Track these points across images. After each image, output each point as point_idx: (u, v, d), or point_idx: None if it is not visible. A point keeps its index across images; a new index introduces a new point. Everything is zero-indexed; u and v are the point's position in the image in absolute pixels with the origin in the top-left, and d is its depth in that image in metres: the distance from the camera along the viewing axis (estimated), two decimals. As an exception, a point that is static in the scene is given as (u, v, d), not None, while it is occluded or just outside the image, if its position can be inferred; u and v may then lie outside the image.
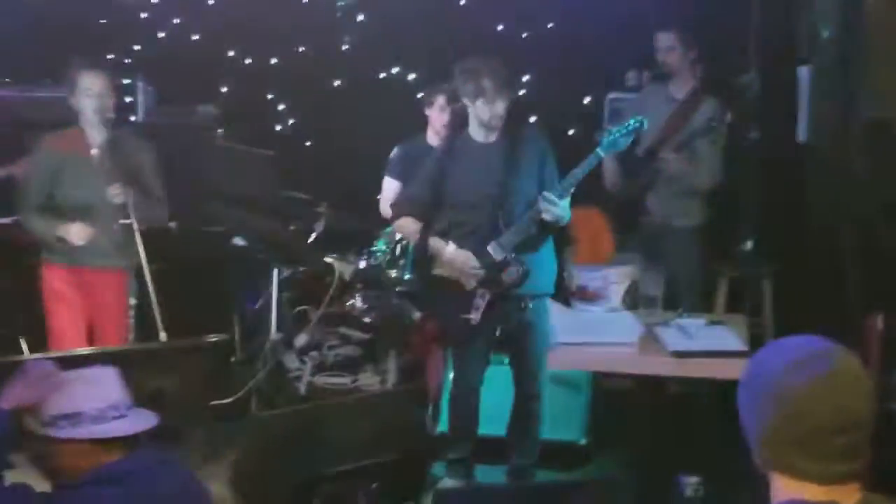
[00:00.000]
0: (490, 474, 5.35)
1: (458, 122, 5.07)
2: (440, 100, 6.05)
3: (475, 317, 4.91)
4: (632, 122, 4.81)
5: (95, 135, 5.16)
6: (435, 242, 5.01)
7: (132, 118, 6.90)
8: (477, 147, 5.00)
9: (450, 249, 4.97)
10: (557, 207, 4.73)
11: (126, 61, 7.11)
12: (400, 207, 5.21)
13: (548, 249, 4.99)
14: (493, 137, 5.00)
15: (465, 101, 4.93)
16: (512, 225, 4.86)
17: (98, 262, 5.25)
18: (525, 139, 4.97)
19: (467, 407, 5.29)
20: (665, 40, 5.64)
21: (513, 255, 4.86)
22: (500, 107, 4.87)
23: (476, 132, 5.02)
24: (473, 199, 4.96)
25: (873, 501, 2.03)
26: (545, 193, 4.76)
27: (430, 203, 5.07)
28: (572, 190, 4.81)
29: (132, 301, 5.35)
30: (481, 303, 4.88)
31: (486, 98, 4.86)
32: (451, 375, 5.32)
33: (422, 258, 4.81)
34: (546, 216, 4.77)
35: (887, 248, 4.12)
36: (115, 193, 5.01)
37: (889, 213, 4.17)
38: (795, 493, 2.05)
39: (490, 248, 4.91)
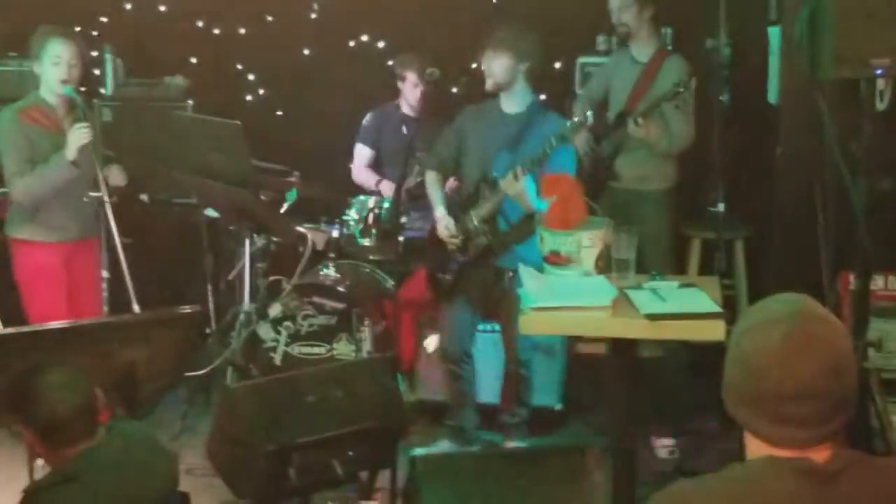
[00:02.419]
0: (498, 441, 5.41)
1: (433, 95, 5.15)
2: (411, 76, 6.05)
3: (447, 277, 5.15)
4: (576, 119, 4.88)
5: (62, 105, 5.12)
6: (433, 200, 5.27)
7: (101, 90, 6.86)
8: (496, 115, 5.14)
9: (438, 211, 5.17)
10: (517, 184, 4.82)
11: (94, 33, 7.04)
12: (427, 162, 5.41)
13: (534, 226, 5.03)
14: (516, 108, 5.11)
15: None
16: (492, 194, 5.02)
17: (79, 234, 5.25)
18: (543, 123, 5.02)
19: (459, 372, 5.35)
20: None
21: (484, 226, 5.02)
22: (494, 63, 4.99)
23: (502, 100, 5.12)
24: (474, 164, 5.14)
25: (844, 457, 2.05)
26: (516, 169, 4.84)
27: (454, 162, 5.27)
28: (533, 171, 4.86)
29: (105, 274, 5.33)
30: (454, 266, 5.11)
31: (481, 53, 5.05)
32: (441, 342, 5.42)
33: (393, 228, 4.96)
34: (507, 191, 4.90)
35: (857, 207, 4.13)
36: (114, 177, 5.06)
37: (858, 173, 4.18)
38: (767, 450, 2.07)
39: (469, 216, 5.06)
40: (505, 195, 4.92)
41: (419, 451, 5.10)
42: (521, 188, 4.83)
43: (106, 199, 4.99)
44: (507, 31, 5.05)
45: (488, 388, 5.47)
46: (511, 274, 4.99)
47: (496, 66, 5.00)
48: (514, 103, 5.11)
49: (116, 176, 5.30)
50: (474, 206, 5.09)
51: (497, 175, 4.98)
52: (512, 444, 5.33)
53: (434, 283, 5.32)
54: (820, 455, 2.03)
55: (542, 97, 5.45)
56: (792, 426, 2.02)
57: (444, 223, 5.14)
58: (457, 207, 5.19)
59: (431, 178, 5.34)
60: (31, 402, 3.03)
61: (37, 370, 3.09)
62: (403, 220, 5.62)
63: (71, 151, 5.02)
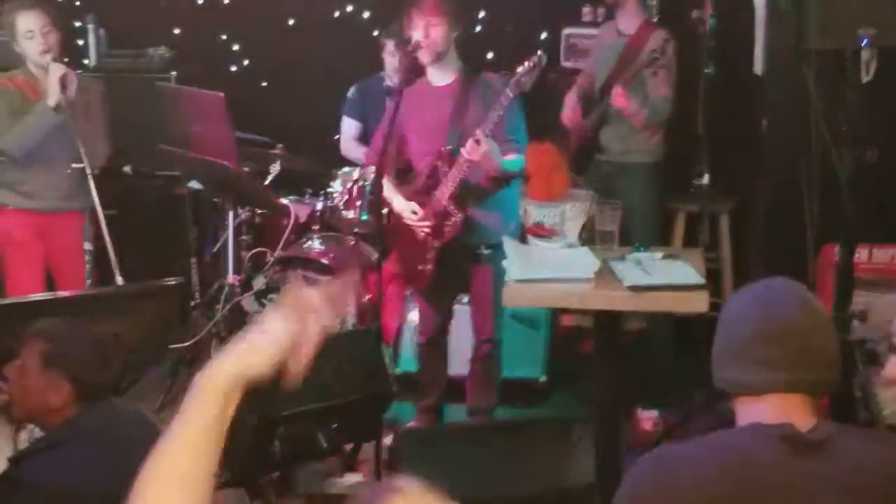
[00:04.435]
0: (457, 414, 5.39)
1: (409, 65, 4.98)
2: (389, 45, 6.00)
3: (426, 267, 4.93)
4: (526, 64, 4.66)
5: (44, 76, 5.07)
6: (388, 192, 4.97)
7: (85, 62, 6.81)
8: (429, 90, 4.92)
9: (397, 201, 4.96)
10: (481, 147, 4.58)
11: (76, 3, 6.99)
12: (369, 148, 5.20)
13: (503, 197, 4.96)
14: (446, 79, 4.91)
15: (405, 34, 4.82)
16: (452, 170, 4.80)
17: (56, 206, 5.20)
18: (481, 86, 4.83)
19: (432, 355, 5.31)
20: None
21: (454, 203, 4.82)
22: (432, 30, 4.73)
23: (431, 74, 4.94)
24: (420, 145, 4.91)
25: (828, 427, 2.07)
26: (476, 134, 4.60)
27: (394, 150, 4.97)
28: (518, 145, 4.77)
29: (88, 246, 5.30)
30: (430, 253, 4.88)
31: (411, 22, 4.74)
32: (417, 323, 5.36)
33: (377, 201, 4.79)
34: (472, 157, 4.64)
35: (842, 179, 4.13)
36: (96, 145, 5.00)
37: (843, 145, 4.17)
38: (752, 417, 2.09)
39: (435, 196, 4.87)
40: (467, 164, 4.69)
41: (407, 424, 5.13)
42: (485, 150, 4.57)
43: (88, 170, 4.95)
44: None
45: (457, 361, 5.41)
46: (486, 250, 4.94)
47: (437, 33, 4.73)
48: (444, 74, 4.90)
49: (98, 144, 5.23)
50: (437, 185, 4.87)
51: (452, 151, 4.78)
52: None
53: (413, 277, 5.14)
54: (804, 424, 2.06)
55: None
56: (768, 368, 2.08)
57: (409, 210, 4.92)
58: (415, 193, 4.97)
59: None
60: (84, 350, 3.06)
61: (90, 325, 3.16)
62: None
63: (52, 92, 4.95)
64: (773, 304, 2.14)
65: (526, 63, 4.63)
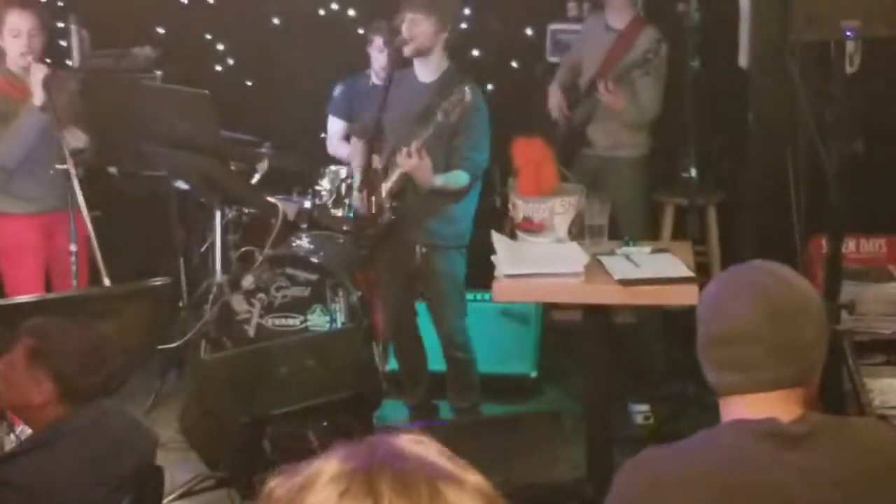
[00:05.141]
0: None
1: (398, 61, 5.00)
2: (378, 41, 5.99)
3: (362, 251, 5.06)
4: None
5: (25, 76, 5.04)
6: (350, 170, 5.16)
7: (68, 62, 6.78)
8: (410, 83, 4.94)
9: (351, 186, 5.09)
10: (414, 162, 4.64)
11: (59, 3, 6.96)
12: (353, 131, 5.28)
13: (456, 203, 4.98)
14: (429, 77, 4.93)
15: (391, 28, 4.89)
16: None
17: (55, 206, 5.18)
18: (458, 93, 4.80)
19: (402, 352, 5.31)
20: None
21: (391, 201, 4.89)
22: (417, 26, 4.77)
23: (416, 68, 4.95)
24: (391, 134, 4.95)
25: (812, 420, 2.06)
26: (412, 145, 4.66)
27: (376, 130, 5.04)
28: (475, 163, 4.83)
29: (72, 247, 5.27)
30: (365, 241, 5.01)
31: (406, 13, 4.78)
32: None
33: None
34: (402, 167, 4.72)
35: (829, 171, 4.14)
36: (72, 138, 4.95)
37: (829, 137, 4.18)
38: (734, 414, 2.08)
39: (380, 190, 4.91)
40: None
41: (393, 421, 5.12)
42: (415, 164, 4.65)
43: (72, 170, 4.92)
44: None
45: (433, 356, 5.41)
46: (423, 250, 4.94)
47: (420, 30, 4.79)
48: (429, 71, 4.94)
49: (76, 137, 5.20)
50: (385, 179, 4.91)
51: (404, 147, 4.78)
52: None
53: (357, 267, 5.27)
54: (787, 416, 2.04)
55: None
56: (730, 371, 2.06)
57: (358, 199, 5.04)
58: (374, 180, 5.00)
59: (356, 145, 5.26)
60: (71, 350, 3.05)
61: (84, 327, 3.13)
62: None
63: (37, 92, 4.92)
64: (731, 299, 2.07)
65: (452, 97, 4.67)
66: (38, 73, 4.92)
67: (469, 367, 5.20)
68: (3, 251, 5.23)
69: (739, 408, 2.08)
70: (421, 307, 5.29)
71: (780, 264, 2.15)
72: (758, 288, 2.07)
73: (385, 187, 4.89)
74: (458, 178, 4.84)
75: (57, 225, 5.24)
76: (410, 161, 4.64)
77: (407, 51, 4.83)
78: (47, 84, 4.92)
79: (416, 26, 4.78)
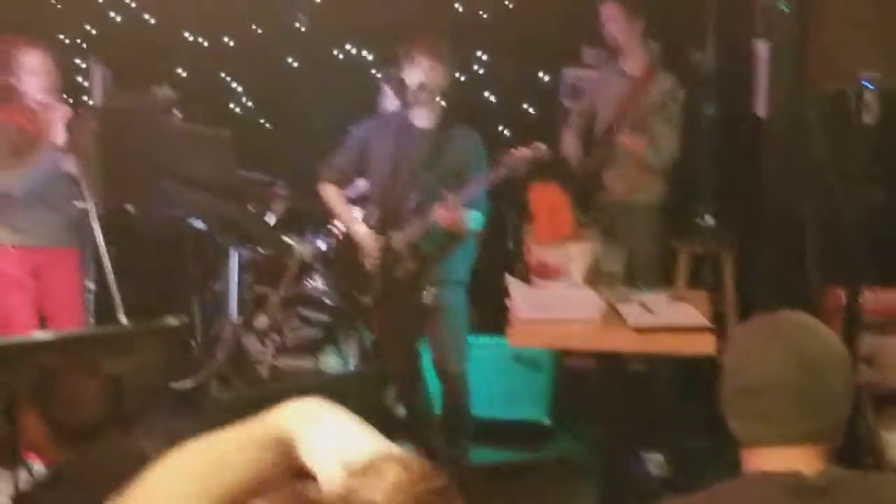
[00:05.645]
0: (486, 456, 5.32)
1: (409, 105, 4.99)
2: (388, 89, 6.01)
3: (367, 298, 4.92)
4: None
5: (43, 112, 5.07)
6: (348, 217, 5.07)
7: (88, 101, 6.82)
8: (406, 129, 4.91)
9: (360, 229, 4.99)
10: (452, 215, 4.68)
11: (80, 43, 7.01)
12: (326, 173, 5.17)
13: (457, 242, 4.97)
14: (427, 123, 4.93)
15: (400, 74, 4.85)
16: (417, 217, 4.83)
17: (49, 242, 5.15)
18: (459, 138, 4.88)
19: (407, 397, 5.25)
20: (607, 10, 5.60)
21: (410, 250, 4.86)
22: (429, 75, 4.76)
23: (413, 112, 4.92)
24: (387, 181, 4.88)
25: (835, 473, 2.04)
26: (451, 197, 4.68)
27: (354, 174, 5.08)
28: (481, 200, 4.81)
29: (90, 285, 5.28)
30: (374, 287, 4.87)
31: (412, 62, 4.77)
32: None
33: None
34: (440, 221, 4.74)
35: (846, 221, 4.13)
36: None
37: (846, 187, 4.18)
38: (757, 465, 2.06)
39: (393, 237, 4.89)
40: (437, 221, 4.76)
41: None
42: (457, 217, 4.69)
43: (92, 209, 4.94)
44: (442, 41, 4.88)
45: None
46: (433, 291, 4.94)
47: (432, 77, 4.78)
48: (426, 117, 4.91)
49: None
50: (397, 227, 4.89)
51: (419, 195, 4.83)
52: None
53: (350, 301, 5.17)
54: (810, 470, 2.02)
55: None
56: (756, 422, 2.03)
57: (372, 242, 4.94)
58: (374, 226, 4.98)
59: (332, 193, 5.13)
60: (63, 397, 3.03)
61: (72, 368, 3.11)
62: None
63: (57, 131, 4.94)
64: (760, 350, 2.04)
65: (526, 149, 4.69)
66: (60, 111, 4.94)
67: (467, 413, 5.13)
68: None
69: (763, 460, 2.06)
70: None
71: (808, 315, 2.13)
72: (788, 339, 2.04)
73: (404, 236, 4.87)
74: (477, 219, 4.85)
75: (51, 262, 5.19)
76: (449, 216, 4.67)
77: (421, 97, 4.80)
78: (69, 123, 4.95)
79: (428, 73, 4.78)
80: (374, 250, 4.88)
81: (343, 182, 5.16)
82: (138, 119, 6.53)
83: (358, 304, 5.08)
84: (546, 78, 6.79)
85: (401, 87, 4.91)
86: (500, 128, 6.63)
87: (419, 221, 4.83)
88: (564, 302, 4.05)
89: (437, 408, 5.22)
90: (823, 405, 2.03)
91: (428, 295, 4.91)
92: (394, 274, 4.90)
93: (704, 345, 3.84)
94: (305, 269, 5.82)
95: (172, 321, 4.32)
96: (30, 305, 5.18)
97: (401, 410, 5.52)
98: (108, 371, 3.65)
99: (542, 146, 4.70)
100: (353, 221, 5.06)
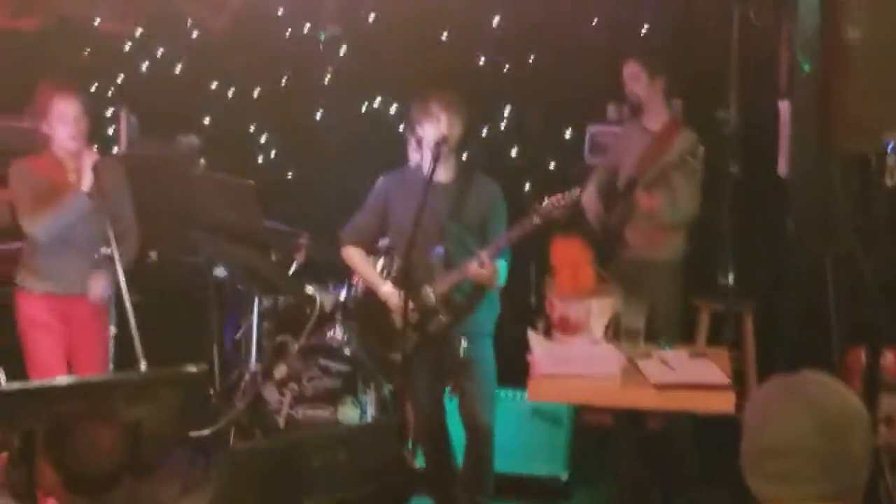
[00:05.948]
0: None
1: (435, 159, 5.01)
2: (412, 141, 6.05)
3: (398, 355, 4.88)
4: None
5: (71, 161, 5.12)
6: (373, 277, 5.07)
7: (115, 148, 6.89)
8: (428, 183, 4.85)
9: (386, 288, 5.00)
10: (487, 271, 4.70)
11: (109, 92, 7.10)
12: (347, 236, 5.19)
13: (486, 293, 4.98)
14: (447, 177, 4.96)
15: (418, 128, 4.89)
16: (447, 271, 4.85)
17: (76, 289, 5.20)
18: (479, 189, 4.91)
19: (429, 451, 5.23)
20: (629, 69, 5.64)
21: (442, 304, 4.87)
22: (448, 129, 4.80)
23: (432, 168, 4.93)
24: (412, 237, 4.78)
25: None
26: (481, 253, 4.71)
27: (376, 234, 5.11)
28: (506, 250, 4.82)
29: (112, 330, 5.30)
30: (407, 344, 4.78)
31: (430, 116, 4.82)
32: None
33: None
34: (473, 276, 4.76)
35: (868, 282, 4.13)
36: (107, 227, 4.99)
37: (869, 248, 4.18)
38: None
39: (423, 293, 4.89)
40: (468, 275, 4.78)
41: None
42: (490, 272, 4.71)
43: (116, 255, 4.97)
44: (457, 95, 4.93)
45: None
46: (464, 343, 4.94)
47: (454, 131, 4.85)
48: (446, 170, 4.94)
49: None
50: (427, 282, 4.89)
51: (446, 249, 4.86)
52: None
53: (377, 358, 5.19)
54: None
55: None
56: (777, 483, 2.03)
57: (395, 301, 4.93)
58: (400, 282, 4.94)
59: (356, 254, 5.16)
60: (78, 448, 3.02)
61: (88, 417, 3.11)
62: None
63: (85, 177, 4.99)
64: (783, 411, 2.04)
65: (560, 196, 4.71)
66: (89, 158, 5.00)
67: (491, 465, 5.10)
68: (21, 328, 5.25)
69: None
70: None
71: (829, 376, 2.13)
72: (811, 401, 2.04)
73: (435, 290, 4.88)
74: (504, 269, 4.86)
75: (79, 308, 5.23)
76: (484, 272, 4.69)
77: (441, 151, 4.81)
78: (97, 170, 5.00)
79: (447, 127, 4.83)
80: (400, 308, 4.84)
81: (365, 244, 5.19)
82: (164, 167, 6.60)
83: (386, 361, 5.08)
84: (570, 134, 6.82)
85: (420, 142, 4.95)
86: (524, 182, 6.65)
87: (449, 274, 4.85)
88: (585, 357, 4.05)
89: (460, 461, 5.20)
90: (844, 466, 2.02)
91: (462, 347, 4.90)
92: (426, 328, 4.91)
93: (725, 403, 3.83)
94: (326, 319, 5.83)
95: (192, 368, 4.33)
96: (59, 350, 5.21)
97: (419, 462, 5.51)
98: (127, 418, 3.66)
99: (576, 191, 4.72)
100: (379, 283, 5.06)
